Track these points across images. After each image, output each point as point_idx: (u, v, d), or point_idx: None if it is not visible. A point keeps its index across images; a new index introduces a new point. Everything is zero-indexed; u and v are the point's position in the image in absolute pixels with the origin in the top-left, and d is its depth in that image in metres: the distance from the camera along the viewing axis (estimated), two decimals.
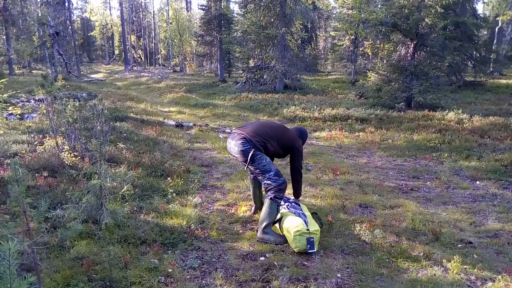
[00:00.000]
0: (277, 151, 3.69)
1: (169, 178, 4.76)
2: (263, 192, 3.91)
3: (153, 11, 41.75)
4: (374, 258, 3.07)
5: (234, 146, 3.53)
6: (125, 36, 34.40)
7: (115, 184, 4.08)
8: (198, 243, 3.33)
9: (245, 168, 3.60)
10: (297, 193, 3.95)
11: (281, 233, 3.45)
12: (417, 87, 10.49)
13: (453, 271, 2.85)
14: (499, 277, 2.77)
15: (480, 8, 33.14)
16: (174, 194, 4.35)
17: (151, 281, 2.71)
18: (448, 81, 14.52)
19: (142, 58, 38.21)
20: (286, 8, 15.52)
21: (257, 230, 3.49)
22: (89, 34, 42.77)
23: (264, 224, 3.38)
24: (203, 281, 2.78)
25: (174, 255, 3.11)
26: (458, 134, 7.66)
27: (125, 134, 6.93)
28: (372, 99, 12.17)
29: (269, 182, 3.41)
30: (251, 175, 3.85)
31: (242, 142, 3.46)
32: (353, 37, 19.85)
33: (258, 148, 3.47)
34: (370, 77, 13.39)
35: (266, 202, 3.41)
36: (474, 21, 15.26)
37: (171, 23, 31.30)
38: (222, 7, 21.69)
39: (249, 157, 3.41)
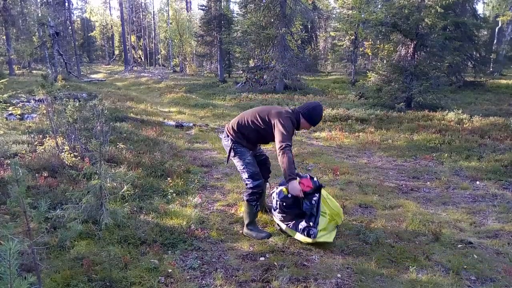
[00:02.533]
0: (260, 134, 3.42)
1: (169, 179, 4.76)
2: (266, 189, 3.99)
3: (153, 11, 41.77)
4: (374, 258, 3.07)
5: (222, 141, 3.68)
6: (125, 36, 34.40)
7: (115, 184, 4.08)
8: (198, 243, 3.33)
9: (226, 163, 3.60)
10: (285, 175, 3.24)
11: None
12: (417, 87, 10.50)
13: (453, 271, 2.85)
14: (499, 277, 2.77)
15: (480, 8, 33.16)
16: (174, 195, 4.36)
17: (151, 281, 2.71)
18: (448, 81, 14.52)
19: (142, 58, 38.21)
20: (286, 8, 15.52)
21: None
22: (89, 35, 42.79)
23: (246, 222, 3.55)
24: (203, 282, 2.78)
25: (174, 255, 3.11)
26: (458, 134, 7.66)
27: (125, 135, 6.93)
28: (372, 99, 12.17)
29: (245, 183, 3.53)
30: None
31: (224, 137, 3.63)
32: (353, 37, 19.84)
33: (237, 142, 3.48)
34: (370, 77, 13.40)
35: (245, 203, 3.55)
36: (474, 21, 15.26)
37: (171, 23, 31.31)
38: (222, 7, 21.70)
39: (228, 151, 3.55)
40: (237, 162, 3.52)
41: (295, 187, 3.18)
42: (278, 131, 3.23)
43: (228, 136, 3.55)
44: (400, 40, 11.78)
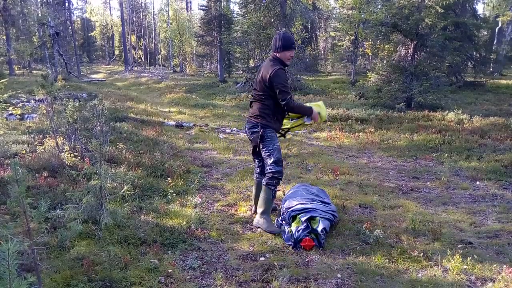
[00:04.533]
0: (275, 98, 3.49)
1: (169, 179, 4.76)
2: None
3: (153, 12, 41.75)
4: (374, 258, 3.07)
5: (248, 132, 3.68)
6: (125, 36, 34.40)
7: (115, 184, 4.09)
8: (198, 243, 3.33)
9: (257, 149, 3.65)
10: (305, 113, 3.63)
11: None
12: (417, 88, 10.49)
13: (453, 272, 2.85)
14: (499, 277, 2.77)
15: (480, 8, 33.19)
16: (174, 195, 4.36)
17: (151, 281, 2.71)
18: (448, 81, 14.48)
19: (142, 58, 38.20)
20: (286, 8, 15.51)
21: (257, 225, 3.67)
22: (89, 35, 42.78)
23: (261, 210, 3.58)
24: (203, 282, 2.78)
25: (174, 255, 3.11)
26: (458, 134, 7.66)
27: (125, 135, 6.93)
28: (372, 99, 12.16)
29: (268, 167, 3.55)
30: (256, 176, 3.85)
31: (250, 128, 3.63)
32: (353, 37, 19.82)
33: (267, 126, 3.52)
34: (370, 78, 13.39)
35: (263, 188, 3.57)
36: (474, 21, 15.25)
37: (171, 24, 31.31)
38: (222, 7, 21.69)
39: (257, 139, 3.55)
40: (264, 148, 3.55)
41: (315, 113, 3.59)
42: (279, 85, 3.39)
43: (256, 124, 3.57)
44: (400, 40, 11.77)
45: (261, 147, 3.58)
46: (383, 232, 3.50)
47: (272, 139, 3.54)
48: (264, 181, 3.56)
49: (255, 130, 3.58)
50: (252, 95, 3.70)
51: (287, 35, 3.52)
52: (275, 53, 3.50)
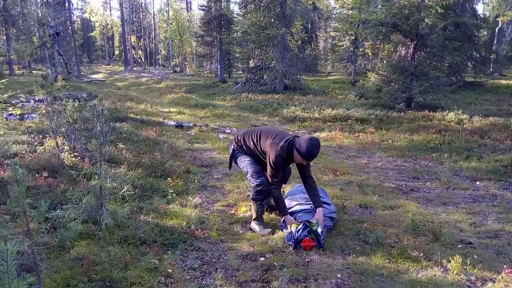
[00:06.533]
0: (258, 157, 3.61)
1: (169, 179, 4.76)
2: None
3: (153, 12, 41.81)
4: (374, 258, 3.06)
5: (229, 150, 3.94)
6: (125, 36, 34.41)
7: (115, 184, 4.08)
8: (198, 243, 3.33)
9: (229, 170, 4.03)
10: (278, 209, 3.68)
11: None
12: (417, 88, 10.49)
13: (453, 272, 2.85)
14: (499, 277, 2.77)
15: (480, 8, 33.19)
16: (174, 195, 4.36)
17: (151, 281, 2.71)
18: (448, 81, 14.51)
19: (142, 58, 38.21)
20: (286, 8, 15.53)
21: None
22: (89, 35, 42.79)
23: (253, 217, 3.66)
24: (203, 282, 2.78)
25: (174, 255, 3.11)
26: (458, 134, 7.66)
27: (125, 135, 6.93)
28: (372, 99, 12.17)
29: (250, 182, 3.68)
30: None
31: (229, 145, 3.91)
32: (353, 37, 19.84)
33: (237, 150, 3.74)
34: (370, 78, 13.40)
35: (251, 201, 3.69)
36: (474, 21, 15.26)
37: (171, 24, 31.34)
38: (222, 7, 21.71)
39: (230, 156, 3.83)
40: (239, 165, 3.74)
41: (289, 219, 3.51)
42: (269, 166, 3.47)
43: (231, 145, 3.82)
44: (400, 40, 11.77)
45: (238, 165, 3.77)
46: (383, 232, 3.50)
47: (240, 157, 3.69)
48: (251, 194, 3.63)
49: (230, 150, 3.85)
50: (251, 133, 3.70)
51: (314, 151, 3.30)
52: (295, 147, 3.33)
